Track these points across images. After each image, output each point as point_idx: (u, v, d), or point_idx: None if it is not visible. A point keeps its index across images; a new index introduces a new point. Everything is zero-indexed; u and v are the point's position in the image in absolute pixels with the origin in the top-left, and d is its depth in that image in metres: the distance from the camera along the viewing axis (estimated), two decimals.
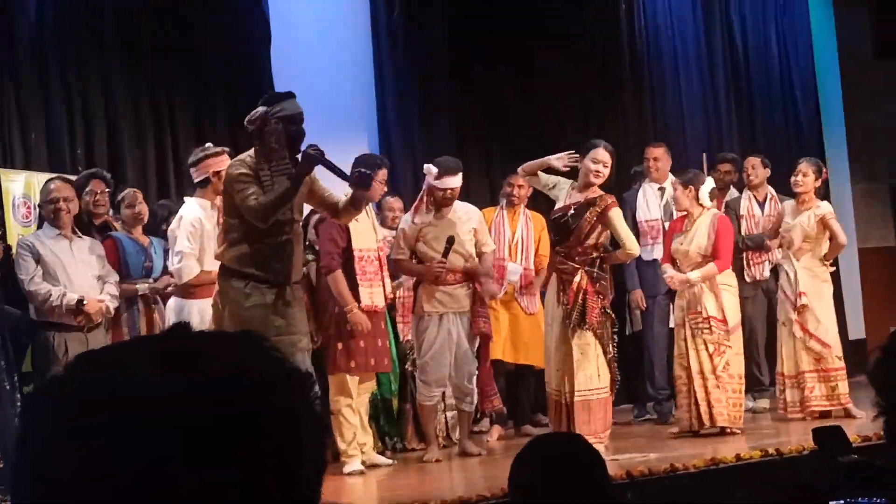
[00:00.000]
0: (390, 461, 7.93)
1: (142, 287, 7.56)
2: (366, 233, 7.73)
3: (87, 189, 7.85)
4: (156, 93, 9.41)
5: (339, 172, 6.53)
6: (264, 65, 9.77)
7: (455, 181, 7.97)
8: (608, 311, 7.72)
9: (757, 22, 12.63)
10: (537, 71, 11.19)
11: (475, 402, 8.15)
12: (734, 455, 7.04)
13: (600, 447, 6.79)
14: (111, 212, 7.90)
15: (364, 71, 10.57)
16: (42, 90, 8.88)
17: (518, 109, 11.07)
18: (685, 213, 8.43)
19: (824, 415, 8.63)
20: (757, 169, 9.78)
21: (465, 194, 9.26)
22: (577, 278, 7.58)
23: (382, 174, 7.89)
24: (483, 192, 10.58)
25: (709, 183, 8.49)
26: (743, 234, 9.59)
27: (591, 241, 7.69)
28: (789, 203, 9.09)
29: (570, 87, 11.37)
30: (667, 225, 9.05)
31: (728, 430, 8.18)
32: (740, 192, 9.95)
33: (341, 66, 10.39)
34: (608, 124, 11.28)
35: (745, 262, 9.60)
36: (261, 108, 6.49)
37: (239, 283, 6.47)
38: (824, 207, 8.87)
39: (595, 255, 7.71)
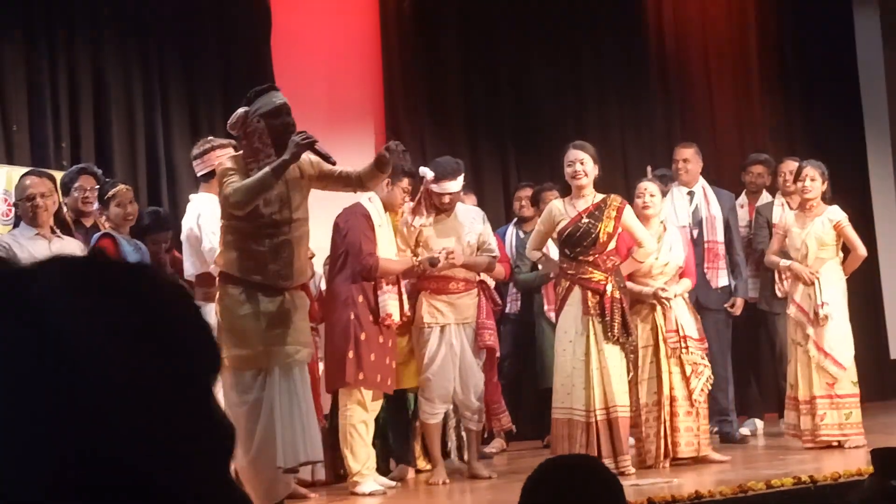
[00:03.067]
0: (393, 483, 7.54)
1: None
2: (384, 240, 7.41)
3: (76, 185, 7.44)
4: (148, 83, 9.00)
5: (329, 160, 6.19)
6: (264, 53, 9.45)
7: (454, 185, 7.55)
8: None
9: (794, 16, 12.14)
10: (556, 64, 10.95)
11: (483, 420, 7.77)
12: (764, 482, 6.56)
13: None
14: (96, 206, 7.43)
15: (371, 60, 10.23)
16: (25, 77, 8.45)
17: (535, 103, 10.80)
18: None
19: (834, 446, 8.08)
20: (794, 175, 9.17)
21: (480, 195, 8.83)
22: (609, 288, 7.28)
23: (406, 183, 7.50)
24: (496, 188, 10.16)
25: None
26: None
27: (613, 244, 7.45)
28: (790, 214, 8.48)
29: (591, 81, 11.15)
30: (695, 233, 8.65)
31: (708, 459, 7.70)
32: (772, 195, 9.41)
33: (347, 55, 10.06)
34: (633, 124, 11.15)
35: (776, 276, 8.96)
36: (241, 110, 6.17)
37: (234, 289, 6.19)
38: (837, 213, 8.24)
39: (618, 261, 7.49)
